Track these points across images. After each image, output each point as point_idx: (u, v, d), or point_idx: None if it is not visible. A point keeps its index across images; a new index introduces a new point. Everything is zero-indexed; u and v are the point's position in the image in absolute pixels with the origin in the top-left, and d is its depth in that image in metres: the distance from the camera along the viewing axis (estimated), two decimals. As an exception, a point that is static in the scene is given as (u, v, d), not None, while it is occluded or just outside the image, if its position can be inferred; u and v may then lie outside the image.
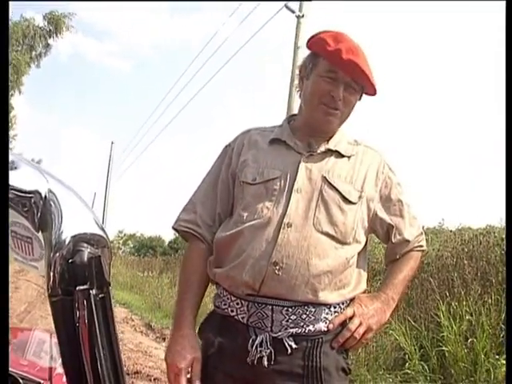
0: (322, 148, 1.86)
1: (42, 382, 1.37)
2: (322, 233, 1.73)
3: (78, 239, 0.56)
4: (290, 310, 1.69)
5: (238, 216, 1.81)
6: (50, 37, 24.78)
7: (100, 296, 0.57)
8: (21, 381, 1.28)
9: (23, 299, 12.25)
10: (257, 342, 1.68)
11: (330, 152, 1.87)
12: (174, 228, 1.94)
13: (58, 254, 0.55)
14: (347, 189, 1.80)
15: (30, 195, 0.57)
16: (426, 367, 6.25)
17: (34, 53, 25.04)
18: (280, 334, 1.68)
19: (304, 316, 1.70)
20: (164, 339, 9.35)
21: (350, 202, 1.79)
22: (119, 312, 13.12)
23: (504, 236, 7.78)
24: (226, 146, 1.99)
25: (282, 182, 1.78)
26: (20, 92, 25.23)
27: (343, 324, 1.78)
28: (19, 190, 0.57)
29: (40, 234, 0.58)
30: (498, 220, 10.51)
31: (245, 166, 1.85)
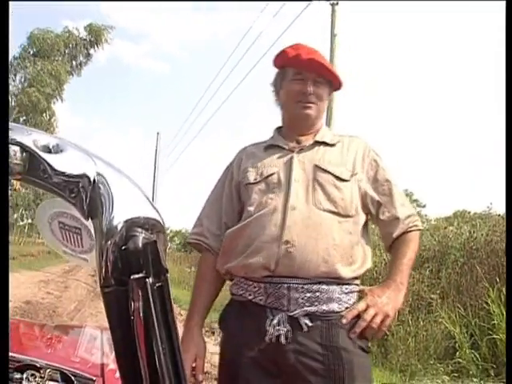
0: (310, 141, 2.05)
1: (94, 378, 1.36)
2: (324, 210, 1.88)
3: (132, 224, 0.52)
4: (305, 287, 1.81)
5: (246, 213, 1.98)
6: (91, 47, 25.43)
7: (157, 285, 0.53)
8: (73, 378, 1.26)
9: (73, 298, 12.49)
10: (275, 321, 1.80)
11: (317, 144, 2.05)
12: (187, 242, 2.22)
13: (109, 241, 0.51)
14: (339, 170, 1.97)
15: (77, 179, 0.53)
16: (477, 356, 6.14)
17: (74, 62, 25.71)
18: (296, 312, 1.79)
19: (318, 294, 1.81)
20: (213, 333, 9.37)
21: (343, 180, 1.95)
22: (168, 308, 13.26)
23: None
24: (228, 167, 2.18)
25: (280, 175, 1.96)
26: (62, 100, 25.82)
27: (358, 316, 1.87)
28: (65, 175, 0.53)
29: (90, 222, 0.55)
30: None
31: (246, 172, 2.04)
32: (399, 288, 1.94)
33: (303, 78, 2.01)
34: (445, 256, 8.30)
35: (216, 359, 6.69)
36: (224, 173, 2.16)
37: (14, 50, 24.19)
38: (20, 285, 13.57)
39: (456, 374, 5.95)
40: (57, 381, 1.23)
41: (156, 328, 0.51)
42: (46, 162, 0.53)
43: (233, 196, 2.07)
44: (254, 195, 1.96)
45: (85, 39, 25.31)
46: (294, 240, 1.81)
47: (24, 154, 0.54)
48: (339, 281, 1.85)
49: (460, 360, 6.16)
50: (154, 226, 0.53)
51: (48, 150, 0.54)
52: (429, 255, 8.67)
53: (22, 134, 0.54)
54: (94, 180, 0.53)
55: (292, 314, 1.79)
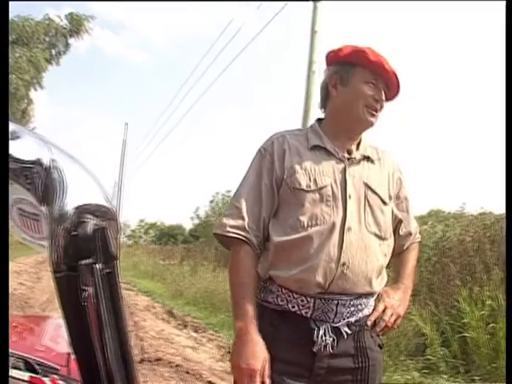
0: (359, 155, 2.03)
1: (58, 367, 1.35)
2: (371, 233, 1.95)
3: (82, 210, 0.53)
4: (351, 302, 1.91)
5: (296, 221, 1.91)
6: (70, 36, 25.12)
7: (106, 271, 0.54)
8: (36, 366, 1.26)
9: (46, 289, 12.38)
10: (321, 332, 1.87)
11: (364, 158, 2.05)
12: (220, 234, 1.98)
13: (60, 227, 0.52)
14: (383, 192, 2.03)
15: (32, 166, 0.54)
16: (447, 353, 6.21)
17: (53, 51, 25.39)
18: (339, 324, 1.90)
19: (359, 306, 1.94)
20: (185, 326, 9.40)
21: (386, 204, 2.03)
22: (141, 300, 13.23)
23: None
24: (261, 151, 2.05)
25: (334, 188, 1.93)
26: (41, 87, 25.54)
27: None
28: (20, 161, 0.54)
29: (44, 208, 0.55)
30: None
31: (293, 172, 1.95)
32: (407, 291, 2.15)
33: (377, 85, 2.00)
34: (420, 243, 8.33)
35: (188, 352, 6.68)
36: (259, 158, 2.05)
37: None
38: (-8, 275, 13.44)
39: (426, 371, 6.02)
40: (20, 369, 1.23)
41: (104, 312, 0.52)
42: (1, 148, 0.53)
43: (273, 188, 1.98)
44: (307, 204, 1.91)
45: (65, 28, 25.02)
46: (349, 262, 1.88)
47: (-21, 140, 0.54)
48: (374, 294, 2.01)
49: (430, 357, 6.22)
50: (104, 213, 0.54)
51: (4, 136, 0.55)
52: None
53: (-22, 121, 0.55)
54: (48, 166, 0.53)
55: (336, 325, 1.90)
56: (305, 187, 1.92)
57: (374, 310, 2.01)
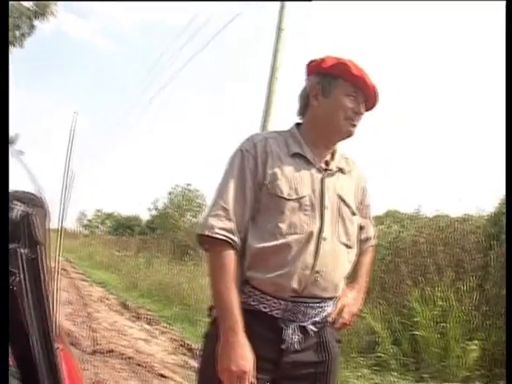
0: (334, 167, 2.11)
1: None
2: (341, 243, 2.05)
3: (10, 197, 0.52)
4: (319, 304, 2.02)
5: (275, 227, 1.95)
6: (36, 18, 24.64)
7: (31, 257, 0.53)
8: None
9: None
10: (289, 331, 1.96)
11: (338, 170, 2.12)
12: (206, 235, 1.96)
13: (-13, 213, 0.51)
14: (352, 203, 2.12)
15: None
16: (398, 351, 6.31)
17: (17, 32, 24.91)
18: (306, 323, 2.00)
19: (324, 307, 2.04)
20: (139, 318, 9.35)
21: (354, 214, 2.12)
22: (95, 291, 13.11)
23: (479, 224, 7.84)
24: (243, 151, 2.04)
25: (312, 198, 1.99)
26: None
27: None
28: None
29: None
30: (475, 208, 10.60)
31: (274, 179, 1.98)
32: (362, 291, 2.28)
33: (356, 97, 2.06)
34: (376, 246, 8.43)
35: (141, 345, 6.64)
36: (240, 158, 2.04)
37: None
38: None
39: (376, 368, 6.10)
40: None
41: (27, 298, 0.52)
42: None
43: (256, 191, 1.99)
44: (287, 212, 1.95)
45: (30, 10, 24.56)
46: (322, 270, 1.96)
47: None
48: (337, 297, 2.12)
49: (381, 354, 6.31)
50: (32, 200, 0.53)
51: None
52: (355, 252, 8.81)
53: None
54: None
55: (303, 324, 1.99)
56: (286, 196, 1.96)
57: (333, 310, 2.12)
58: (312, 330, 2.01)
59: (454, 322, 6.09)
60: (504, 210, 7.74)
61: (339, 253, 2.03)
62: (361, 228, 2.25)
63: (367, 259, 2.35)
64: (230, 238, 1.93)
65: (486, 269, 6.63)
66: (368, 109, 2.14)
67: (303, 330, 1.99)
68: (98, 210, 52.62)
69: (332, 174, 2.08)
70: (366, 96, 2.09)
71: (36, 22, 24.94)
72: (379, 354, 6.32)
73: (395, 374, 5.85)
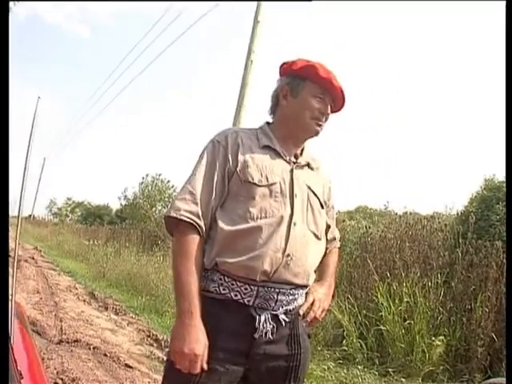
0: (303, 161, 2.20)
1: None
2: (311, 231, 2.10)
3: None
4: (290, 291, 2.04)
5: (246, 212, 2.01)
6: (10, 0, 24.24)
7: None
8: None
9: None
10: (262, 319, 1.97)
11: (306, 165, 2.22)
12: (172, 217, 2.00)
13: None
14: (321, 197, 2.20)
15: None
16: (363, 345, 6.37)
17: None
18: (278, 311, 2.02)
19: (296, 296, 2.07)
20: (106, 308, 9.29)
21: (322, 208, 2.20)
22: (63, 280, 12.98)
23: (447, 222, 7.95)
24: (215, 142, 2.13)
25: (282, 186, 2.07)
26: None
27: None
28: None
29: None
30: (443, 207, 10.74)
31: (246, 166, 2.05)
32: (331, 287, 2.36)
33: (324, 99, 2.15)
34: (340, 248, 8.50)
35: (107, 335, 6.62)
36: (212, 149, 2.11)
37: None
38: None
39: (342, 361, 6.15)
40: None
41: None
42: None
43: (224, 182, 2.06)
44: (258, 198, 2.02)
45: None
46: (293, 254, 2.00)
47: None
48: (308, 287, 2.16)
49: (347, 348, 6.36)
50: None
51: None
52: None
53: None
54: None
55: (275, 312, 2.01)
56: (257, 182, 2.03)
57: (305, 301, 2.16)
58: (284, 319, 2.02)
59: (420, 318, 6.17)
60: (472, 209, 7.86)
61: (309, 240, 2.08)
62: (328, 227, 2.32)
63: (333, 259, 2.43)
64: (195, 222, 1.97)
65: (453, 266, 6.72)
66: (335, 110, 2.24)
67: (276, 319, 2.01)
68: (69, 199, 52.16)
69: (301, 167, 2.18)
70: (333, 97, 2.18)
71: (11, 4, 24.55)
72: (345, 348, 6.38)
73: (360, 367, 5.91)
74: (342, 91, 2.18)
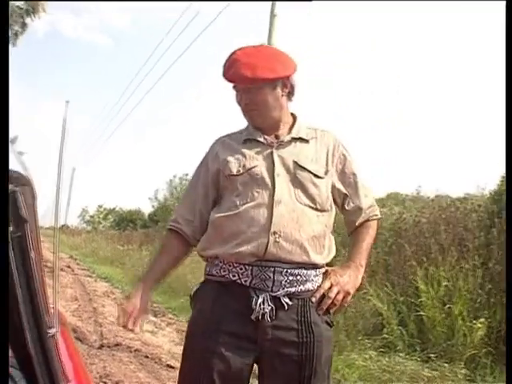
0: (288, 137, 2.21)
1: None
2: (305, 205, 2.09)
3: (-8, 175, 0.51)
4: (289, 271, 2.01)
5: (230, 202, 2.11)
6: (27, 16, 24.57)
7: (17, 234, 0.52)
8: None
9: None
10: (259, 300, 1.98)
11: (294, 140, 2.21)
12: (168, 229, 2.30)
13: (-28, 192, 0.50)
14: (315, 167, 2.16)
15: None
16: (404, 332, 6.31)
17: (10, 32, 24.90)
18: (278, 293, 2.00)
19: (298, 277, 2.03)
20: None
21: (319, 177, 2.15)
22: (100, 286, 13.13)
23: (481, 203, 7.83)
24: (203, 158, 2.31)
25: (263, 169, 2.11)
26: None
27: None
28: None
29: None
30: (475, 187, 10.59)
31: (226, 163, 2.16)
32: (358, 269, 2.22)
33: (237, 90, 2.21)
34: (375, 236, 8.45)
35: (147, 337, 6.64)
36: (200, 164, 2.30)
37: None
38: None
39: (383, 350, 6.10)
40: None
41: (16, 274, 0.51)
42: None
43: (208, 185, 2.22)
44: (239, 186, 2.11)
45: (21, 8, 24.48)
46: (281, 231, 2.01)
47: None
48: (314, 266, 2.09)
49: (387, 336, 6.31)
50: (17, 178, 0.52)
51: None
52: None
53: None
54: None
55: (275, 294, 2.00)
56: (235, 172, 2.12)
57: (319, 287, 2.11)
58: (287, 302, 2.01)
59: (459, 301, 6.09)
60: (504, 187, 7.73)
61: (301, 214, 2.06)
62: (345, 197, 2.26)
63: (364, 235, 2.29)
64: (175, 227, 2.23)
65: (489, 247, 6.62)
66: (242, 83, 2.19)
67: (277, 301, 2.00)
68: (100, 206, 52.64)
69: (287, 144, 2.19)
70: (234, 82, 2.21)
71: (28, 20, 24.88)
72: (385, 336, 6.32)
73: (402, 354, 5.85)
74: (235, 74, 2.15)
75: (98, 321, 8.05)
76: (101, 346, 6.36)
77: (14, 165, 0.54)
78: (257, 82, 2.14)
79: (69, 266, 17.64)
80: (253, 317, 1.98)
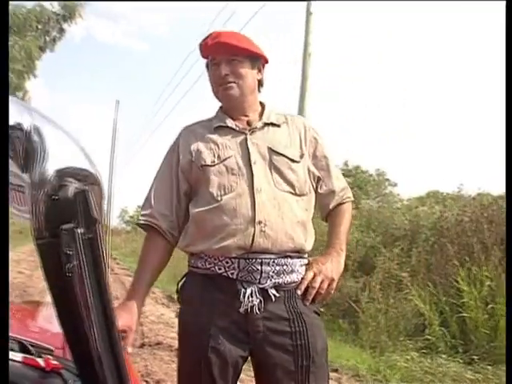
0: (260, 124, 2.15)
1: (52, 348, 1.33)
2: (284, 191, 2.05)
3: (63, 174, 0.51)
4: (276, 261, 1.98)
5: (207, 194, 2.05)
6: (64, 21, 24.95)
7: (88, 236, 0.52)
8: (31, 348, 1.24)
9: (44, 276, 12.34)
10: (247, 293, 1.94)
11: (266, 125, 2.17)
12: (136, 224, 2.28)
13: (41, 192, 0.50)
14: (291, 152, 2.12)
15: (12, 131, 0.52)
16: (446, 333, 6.23)
17: (47, 37, 25.28)
18: (266, 284, 1.96)
19: (285, 267, 2.00)
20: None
21: (295, 162, 2.11)
22: (140, 286, 13.21)
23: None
24: (171, 145, 2.24)
25: (238, 158, 2.06)
26: (34, 76, 25.41)
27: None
28: (-1, 126, 0.52)
29: (26, 176, 0.53)
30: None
31: (199, 153, 2.10)
32: (340, 254, 2.17)
33: (216, 63, 2.13)
34: (416, 235, 8.39)
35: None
36: (169, 153, 2.23)
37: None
38: (-9, 264, 13.38)
39: (425, 351, 6.03)
40: (14, 350, 1.21)
41: (86, 279, 0.50)
42: (-20, 113, 0.51)
43: (179, 176, 2.15)
44: (214, 177, 2.05)
45: (58, 14, 24.86)
46: (265, 220, 1.96)
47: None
48: (300, 254, 2.07)
49: (429, 337, 6.24)
50: (86, 177, 0.52)
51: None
52: (400, 234, 8.75)
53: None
54: (29, 131, 0.51)
55: (262, 286, 1.96)
56: (210, 163, 2.06)
57: (303, 278, 2.07)
58: (274, 294, 1.98)
59: (503, 302, 5.98)
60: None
61: (282, 200, 2.03)
62: (318, 180, 2.22)
63: (341, 219, 2.25)
64: (150, 221, 2.13)
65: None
66: (236, 54, 2.13)
67: (264, 293, 1.97)
68: (139, 206, 53.20)
69: (260, 129, 2.15)
70: (217, 53, 2.14)
71: (65, 26, 25.27)
72: (427, 337, 6.25)
73: (444, 356, 5.78)
74: (220, 43, 2.11)
75: (139, 320, 8.12)
76: (142, 345, 6.41)
77: (82, 162, 0.53)
78: (241, 52, 2.12)
79: (109, 266, 17.81)
80: (241, 310, 1.94)
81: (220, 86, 2.15)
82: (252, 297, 1.94)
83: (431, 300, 6.64)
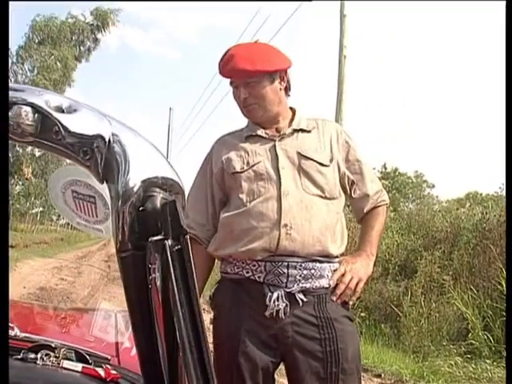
0: (289, 130, 2.18)
1: (109, 357, 1.33)
2: (313, 194, 2.06)
3: (149, 184, 0.49)
4: (303, 265, 1.99)
5: (237, 200, 2.09)
6: (98, 31, 25.37)
7: (176, 247, 0.50)
8: (87, 357, 1.24)
9: (86, 283, 12.47)
10: (274, 297, 1.96)
11: (296, 131, 2.19)
12: None
13: (126, 203, 0.48)
14: (319, 156, 2.13)
15: (92, 140, 0.50)
16: (489, 337, 6.12)
17: (82, 48, 25.74)
18: (293, 289, 1.97)
19: (312, 271, 2.00)
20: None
21: (324, 166, 2.12)
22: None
23: None
24: (206, 156, 2.30)
25: (267, 164, 2.10)
26: (70, 86, 25.88)
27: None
28: (79, 135, 0.50)
29: (105, 186, 0.52)
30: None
31: (230, 161, 2.14)
32: (369, 257, 2.20)
33: (235, 86, 2.18)
34: (457, 237, 8.26)
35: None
36: (204, 163, 2.28)
37: (18, 39, 24.29)
38: (34, 272, 13.50)
39: (469, 356, 5.95)
40: (71, 360, 1.21)
41: (176, 293, 0.48)
42: (59, 122, 0.50)
43: (213, 186, 2.19)
44: (244, 183, 2.08)
45: (91, 24, 25.26)
46: (291, 223, 1.98)
47: (36, 115, 0.51)
48: (329, 259, 2.06)
49: (473, 341, 6.15)
50: (172, 186, 0.50)
51: (61, 110, 0.51)
52: (441, 236, 8.63)
53: (34, 95, 0.51)
54: (109, 140, 0.50)
55: (289, 290, 1.97)
56: (239, 169, 2.10)
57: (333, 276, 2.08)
58: (302, 299, 1.98)
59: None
60: None
61: (311, 204, 2.04)
62: (352, 184, 2.23)
63: (374, 222, 2.26)
64: (190, 233, 2.07)
65: None
66: (249, 77, 2.13)
67: (291, 297, 1.97)
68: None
69: (289, 136, 2.17)
70: (233, 78, 2.18)
71: (99, 35, 25.67)
72: (471, 342, 6.15)
73: (488, 361, 5.69)
74: (233, 69, 2.11)
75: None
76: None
77: (165, 171, 0.52)
78: (256, 74, 2.12)
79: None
80: (267, 313, 1.96)
81: (243, 108, 2.19)
82: (278, 300, 1.96)
83: (474, 304, 6.54)
